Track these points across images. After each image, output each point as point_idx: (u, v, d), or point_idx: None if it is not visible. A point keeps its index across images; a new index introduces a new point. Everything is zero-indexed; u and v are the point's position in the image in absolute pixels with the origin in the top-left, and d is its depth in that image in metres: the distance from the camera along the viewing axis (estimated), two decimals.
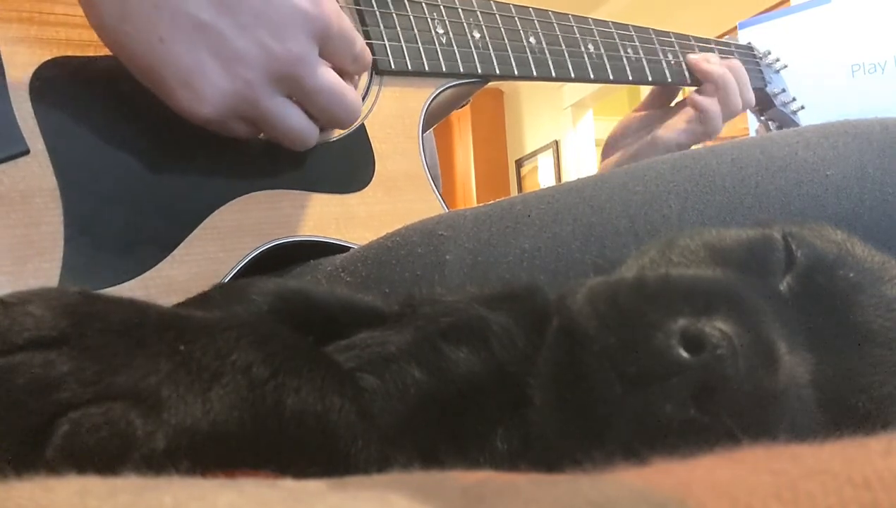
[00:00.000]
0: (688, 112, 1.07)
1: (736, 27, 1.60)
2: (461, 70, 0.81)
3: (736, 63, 1.11)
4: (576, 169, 5.40)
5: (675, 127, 1.06)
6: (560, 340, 0.31)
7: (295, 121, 0.61)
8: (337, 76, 0.62)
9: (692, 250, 0.38)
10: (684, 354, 0.27)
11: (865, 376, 0.31)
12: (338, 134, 0.71)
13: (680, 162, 0.53)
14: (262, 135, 0.62)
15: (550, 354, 0.32)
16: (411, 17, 0.78)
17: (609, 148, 1.14)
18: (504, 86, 5.91)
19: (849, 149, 0.49)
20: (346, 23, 0.62)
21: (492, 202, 0.59)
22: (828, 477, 0.17)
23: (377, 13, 0.75)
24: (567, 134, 5.59)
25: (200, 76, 0.54)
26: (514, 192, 4.77)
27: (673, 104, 1.14)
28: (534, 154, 5.94)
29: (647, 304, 0.29)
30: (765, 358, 0.29)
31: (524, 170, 6.07)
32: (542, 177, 5.80)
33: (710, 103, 1.05)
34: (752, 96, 1.12)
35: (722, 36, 1.39)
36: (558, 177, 5.52)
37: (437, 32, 0.80)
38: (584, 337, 0.29)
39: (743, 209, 0.49)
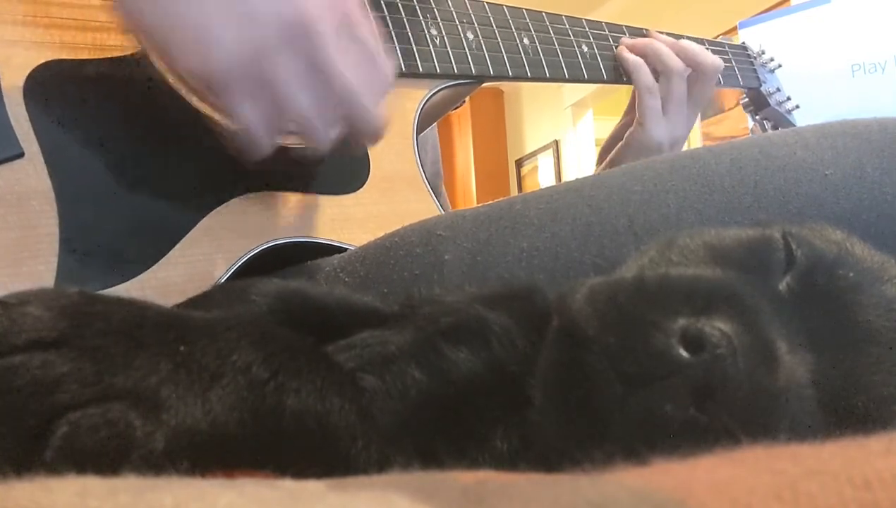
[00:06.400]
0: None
1: (736, 27, 1.60)
2: (455, 71, 0.81)
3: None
4: (576, 169, 5.39)
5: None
6: (560, 340, 0.31)
7: (304, 100, 0.54)
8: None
9: (692, 250, 0.38)
10: (684, 354, 0.27)
11: (865, 376, 0.31)
12: None
13: (678, 162, 0.53)
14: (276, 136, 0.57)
15: (550, 354, 0.32)
16: (405, 18, 0.78)
17: (601, 156, 1.12)
18: (504, 85, 5.90)
19: (847, 149, 0.49)
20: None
21: (491, 202, 0.59)
22: (828, 477, 0.17)
23: (370, 15, 0.75)
24: (567, 134, 5.59)
25: (208, 32, 0.50)
26: (514, 192, 4.76)
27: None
28: (534, 154, 5.94)
29: (647, 304, 0.29)
30: (765, 358, 0.29)
31: (524, 170, 6.06)
32: (542, 177, 5.79)
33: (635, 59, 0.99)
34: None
35: (722, 35, 1.39)
36: (558, 177, 5.52)
37: (430, 34, 0.80)
38: (584, 338, 0.29)
39: (742, 209, 0.49)
